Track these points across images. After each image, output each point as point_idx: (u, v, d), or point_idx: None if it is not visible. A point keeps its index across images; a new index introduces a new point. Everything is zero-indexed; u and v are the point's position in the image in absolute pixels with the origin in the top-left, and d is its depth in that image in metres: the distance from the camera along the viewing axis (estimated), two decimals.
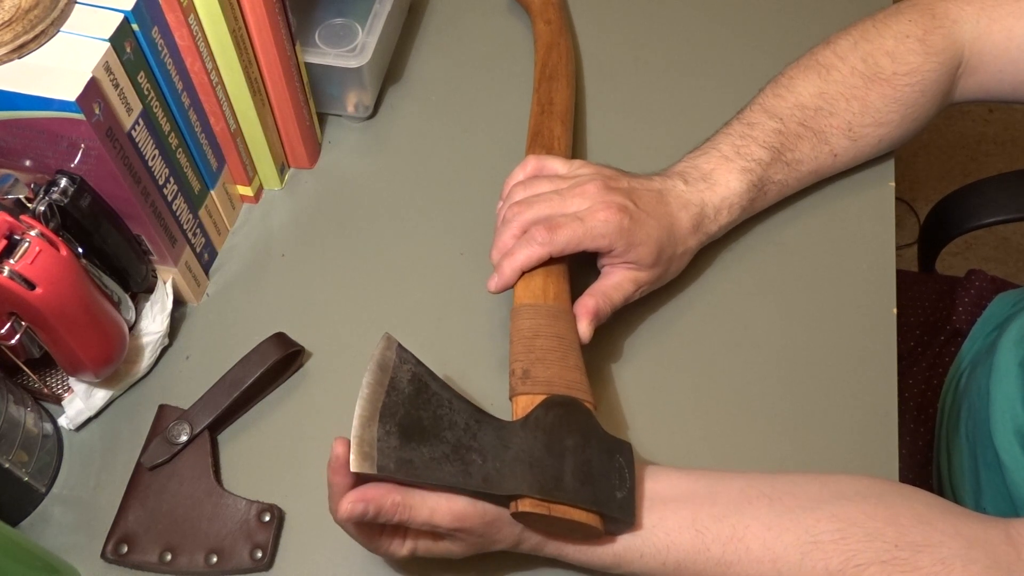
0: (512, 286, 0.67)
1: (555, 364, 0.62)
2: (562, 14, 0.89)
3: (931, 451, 0.91)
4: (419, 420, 0.56)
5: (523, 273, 0.67)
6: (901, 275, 0.88)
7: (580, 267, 0.71)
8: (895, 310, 0.75)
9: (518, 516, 0.56)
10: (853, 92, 0.75)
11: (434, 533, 0.58)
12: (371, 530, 0.57)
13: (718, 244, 0.77)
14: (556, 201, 0.67)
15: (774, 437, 0.70)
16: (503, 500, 0.56)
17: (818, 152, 0.75)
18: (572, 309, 0.67)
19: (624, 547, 0.58)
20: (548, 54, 0.84)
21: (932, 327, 0.98)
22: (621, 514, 0.57)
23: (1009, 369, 0.79)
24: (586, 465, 0.57)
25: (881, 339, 0.74)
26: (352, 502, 0.54)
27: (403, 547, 0.58)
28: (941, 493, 0.87)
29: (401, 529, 0.58)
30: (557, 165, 0.72)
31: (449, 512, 0.55)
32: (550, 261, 0.67)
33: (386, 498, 0.54)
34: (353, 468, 0.53)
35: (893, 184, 0.82)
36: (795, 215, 0.80)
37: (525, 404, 0.60)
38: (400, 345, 0.58)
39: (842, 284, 0.77)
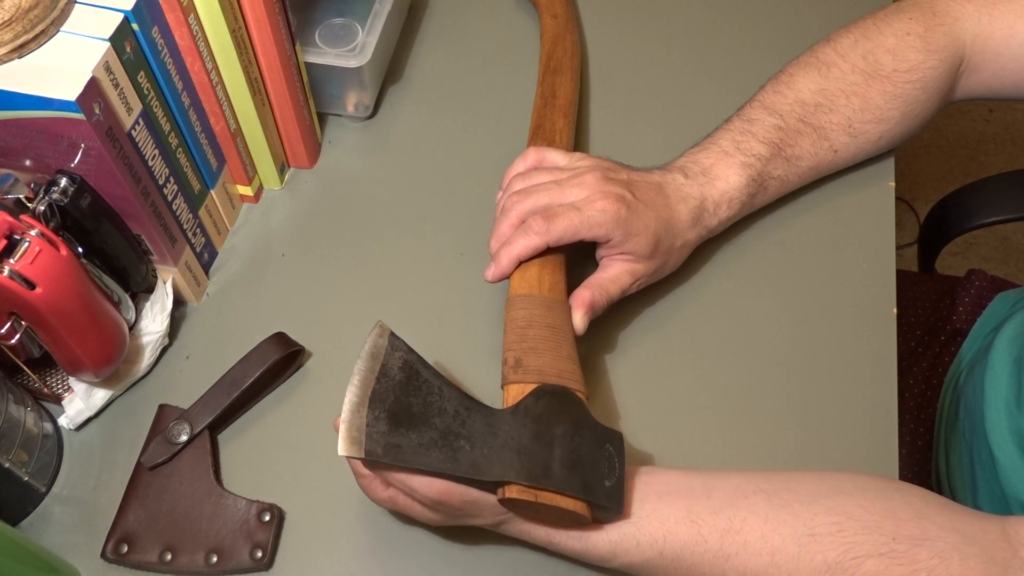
0: (509, 276, 0.67)
1: (547, 354, 0.62)
2: (569, 8, 0.89)
3: (931, 451, 0.91)
4: (409, 406, 0.56)
5: (520, 263, 0.67)
6: (901, 275, 0.88)
7: (579, 260, 0.71)
8: (895, 310, 0.75)
9: (505, 503, 0.57)
10: (853, 89, 0.75)
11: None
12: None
13: (717, 240, 0.77)
14: (555, 191, 0.68)
15: (772, 437, 0.70)
16: (491, 486, 0.57)
17: (818, 148, 0.75)
18: (567, 300, 0.67)
19: (620, 535, 0.59)
20: (553, 48, 0.84)
21: (932, 327, 0.98)
22: (609, 502, 0.57)
23: (1003, 367, 0.79)
24: (575, 453, 0.58)
25: (881, 339, 0.74)
26: None
27: (384, 491, 0.60)
28: (939, 492, 0.87)
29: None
30: (557, 157, 0.72)
31: (429, 485, 0.56)
32: (547, 252, 0.67)
33: None
34: (341, 452, 0.54)
35: (893, 184, 0.82)
36: (795, 214, 0.80)
37: (516, 393, 0.61)
38: (392, 333, 0.59)
39: (842, 284, 0.77)
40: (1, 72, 0.58)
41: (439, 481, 0.56)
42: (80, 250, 0.65)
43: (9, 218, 0.59)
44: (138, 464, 0.68)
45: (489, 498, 0.57)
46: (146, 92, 0.65)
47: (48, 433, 0.69)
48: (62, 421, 0.71)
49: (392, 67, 0.91)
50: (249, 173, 0.81)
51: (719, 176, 0.72)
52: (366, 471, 0.59)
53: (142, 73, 0.64)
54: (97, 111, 0.59)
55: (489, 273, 0.67)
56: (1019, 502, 0.75)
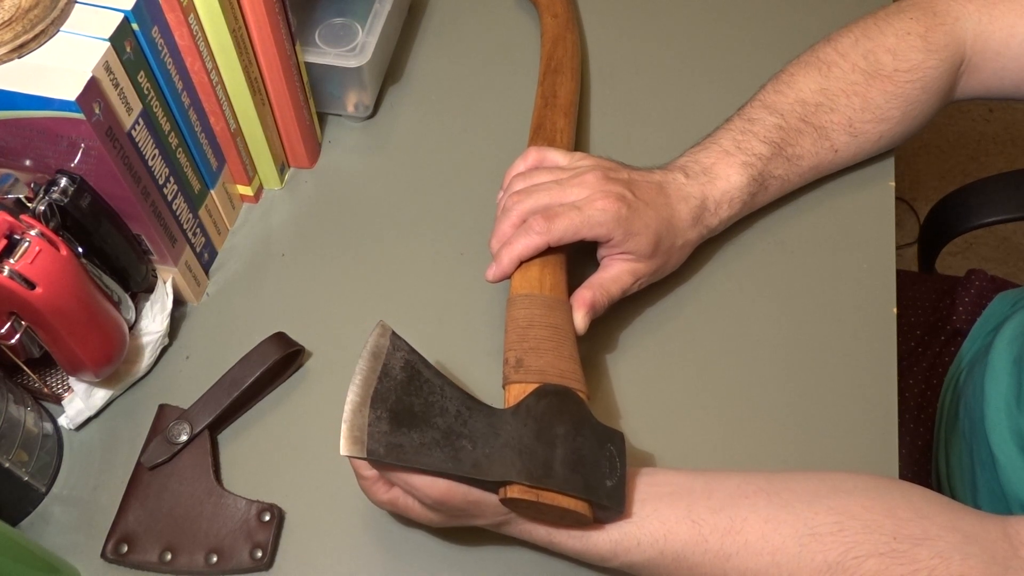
0: (510, 276, 0.67)
1: (549, 353, 0.62)
2: (569, 8, 0.89)
3: (931, 451, 0.91)
4: (410, 406, 0.56)
5: (521, 263, 0.67)
6: (901, 275, 0.88)
7: (580, 259, 0.71)
8: (895, 310, 0.75)
9: (507, 502, 0.57)
10: (854, 88, 0.75)
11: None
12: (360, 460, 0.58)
13: (717, 240, 0.77)
14: (555, 191, 0.68)
15: (773, 436, 0.70)
16: (492, 486, 0.57)
17: (819, 148, 0.76)
18: (568, 300, 0.67)
19: (620, 535, 0.59)
20: (554, 48, 0.84)
21: (932, 327, 0.98)
22: (610, 502, 0.57)
23: (1003, 368, 0.79)
24: (576, 453, 0.58)
25: (881, 339, 0.74)
26: None
27: (387, 492, 0.60)
28: (939, 492, 0.87)
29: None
30: (558, 157, 0.72)
31: (432, 482, 0.56)
32: (548, 251, 0.67)
33: None
34: (343, 452, 0.54)
35: (893, 183, 0.82)
36: (795, 214, 0.80)
37: (517, 392, 0.61)
38: (394, 333, 0.59)
39: (842, 284, 0.77)
40: (1, 72, 0.58)
41: (442, 482, 0.56)
42: (80, 250, 0.65)
43: (9, 218, 0.59)
44: (138, 464, 0.68)
45: (491, 498, 0.57)
46: (146, 92, 0.65)
47: (48, 433, 0.69)
48: (62, 421, 0.71)
49: (392, 67, 0.91)
50: (249, 173, 0.81)
51: (720, 175, 0.72)
52: (368, 473, 0.59)
53: (142, 73, 0.64)
54: (97, 111, 0.59)
55: (490, 273, 0.67)
56: (1019, 502, 0.75)
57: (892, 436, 0.69)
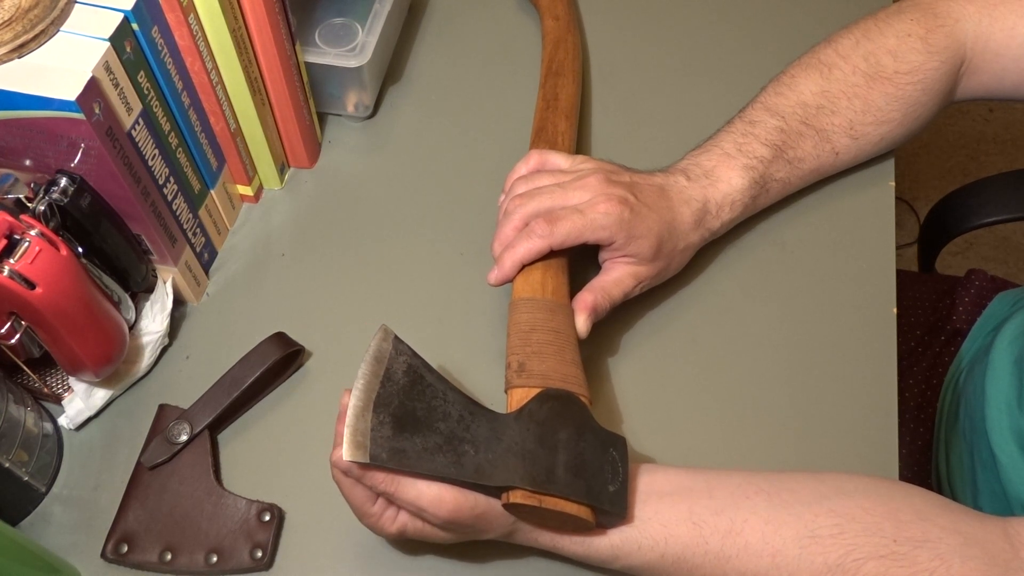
0: (512, 279, 0.67)
1: (551, 358, 0.62)
2: (571, 10, 0.89)
3: (931, 451, 0.91)
4: (413, 411, 0.56)
5: (523, 266, 0.67)
6: (901, 275, 0.88)
7: (581, 262, 0.71)
8: (895, 310, 0.75)
9: (509, 507, 0.56)
10: (855, 90, 0.75)
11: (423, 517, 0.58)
12: (364, 496, 0.57)
13: (718, 242, 0.77)
14: (558, 194, 0.67)
15: (773, 437, 0.70)
16: (495, 491, 0.57)
17: (820, 150, 0.75)
18: (571, 304, 0.67)
19: (622, 539, 0.59)
20: (555, 50, 0.84)
21: (932, 327, 0.98)
22: (613, 507, 0.57)
23: (1004, 368, 0.79)
24: (579, 458, 0.58)
25: (881, 339, 0.74)
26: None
27: (394, 523, 0.58)
28: (940, 492, 0.87)
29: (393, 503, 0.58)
30: (559, 160, 0.72)
31: (438, 500, 0.55)
32: (550, 255, 0.67)
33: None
34: (346, 457, 0.53)
35: (893, 184, 0.82)
36: (795, 214, 0.80)
37: (520, 397, 0.61)
38: (396, 337, 0.59)
39: (842, 284, 0.77)
40: (1, 72, 0.58)
41: (448, 499, 0.55)
42: (80, 250, 0.65)
43: (9, 218, 0.59)
44: (138, 464, 0.68)
45: (497, 511, 0.57)
46: (146, 92, 0.65)
47: (48, 433, 0.69)
48: (62, 421, 0.71)
49: (392, 67, 0.91)
50: (249, 173, 0.81)
51: (721, 178, 0.72)
52: (372, 510, 0.58)
53: (142, 73, 0.64)
54: (97, 111, 0.59)
55: (492, 276, 0.67)
56: (1020, 502, 0.75)
57: (892, 436, 0.69)
